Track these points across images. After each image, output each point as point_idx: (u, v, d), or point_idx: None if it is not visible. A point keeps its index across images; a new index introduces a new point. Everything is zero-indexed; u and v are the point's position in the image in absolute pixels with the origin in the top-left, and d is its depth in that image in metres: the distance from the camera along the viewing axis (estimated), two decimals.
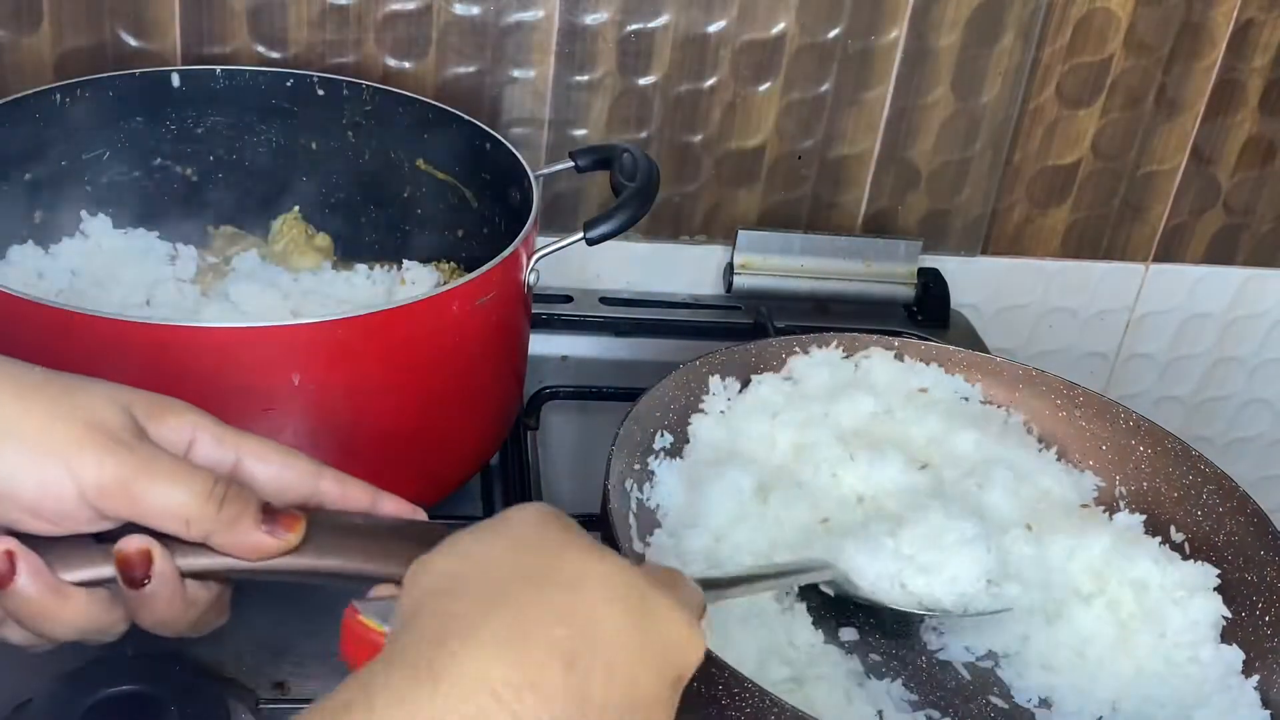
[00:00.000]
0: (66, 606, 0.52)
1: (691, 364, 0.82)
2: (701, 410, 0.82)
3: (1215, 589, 0.76)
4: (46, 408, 0.51)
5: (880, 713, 0.70)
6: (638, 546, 0.75)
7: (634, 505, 0.77)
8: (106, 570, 0.53)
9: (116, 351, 0.68)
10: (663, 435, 0.80)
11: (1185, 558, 0.78)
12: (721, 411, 0.82)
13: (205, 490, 0.51)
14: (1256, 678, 0.73)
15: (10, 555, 0.51)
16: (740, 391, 0.84)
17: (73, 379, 0.53)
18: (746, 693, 0.61)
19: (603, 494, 0.70)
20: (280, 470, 0.56)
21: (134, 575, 0.52)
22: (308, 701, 0.71)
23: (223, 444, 0.55)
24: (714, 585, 0.59)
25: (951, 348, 0.88)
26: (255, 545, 0.53)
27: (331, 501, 0.58)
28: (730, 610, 0.70)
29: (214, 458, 0.55)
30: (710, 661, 0.61)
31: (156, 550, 0.52)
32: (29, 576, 0.51)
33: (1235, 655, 0.74)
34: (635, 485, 0.77)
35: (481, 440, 0.86)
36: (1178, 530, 0.80)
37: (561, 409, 0.97)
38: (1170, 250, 1.21)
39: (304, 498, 0.57)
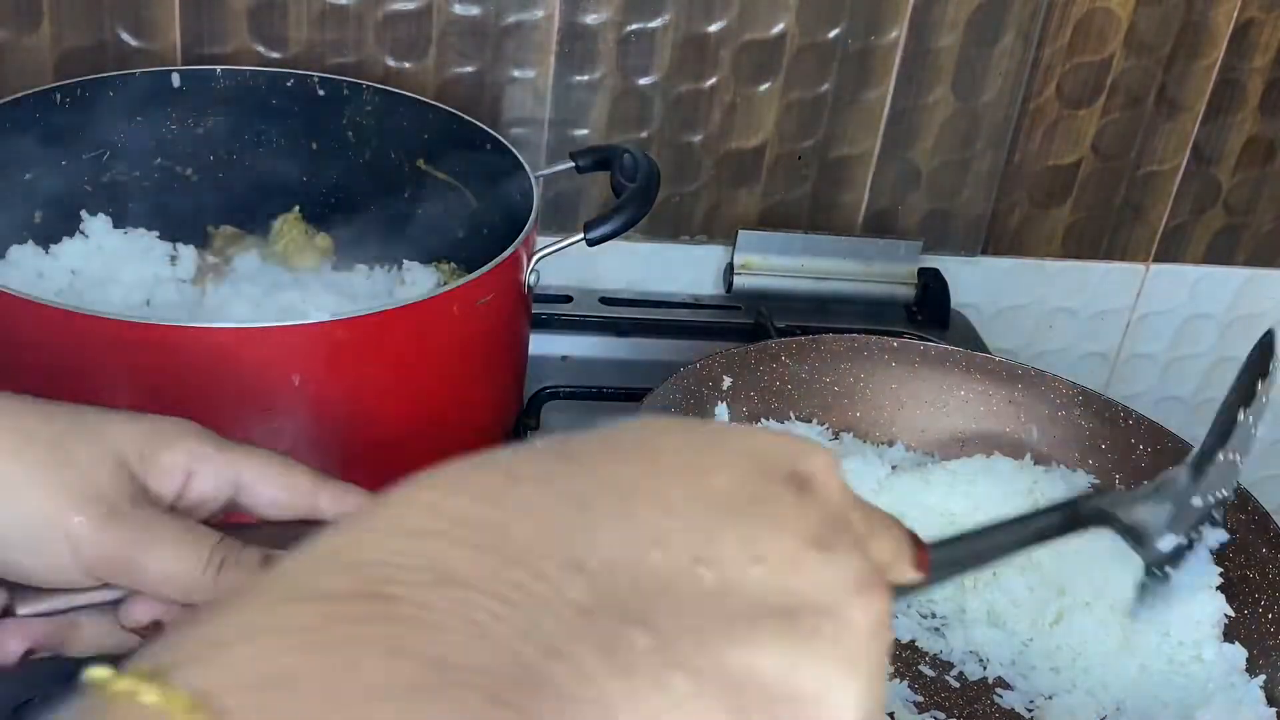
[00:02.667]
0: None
1: (692, 366, 0.82)
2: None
3: (1217, 588, 0.76)
4: (41, 470, 0.51)
5: (891, 715, 0.70)
6: None
7: None
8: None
9: (116, 351, 0.68)
10: None
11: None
12: None
13: (202, 561, 0.52)
14: (1261, 676, 0.73)
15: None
16: None
17: (64, 424, 0.52)
18: None
19: None
20: (280, 491, 0.56)
21: (150, 637, 0.53)
22: None
23: (221, 469, 0.55)
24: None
25: (951, 348, 0.88)
26: None
27: (331, 518, 0.58)
28: None
29: (212, 486, 0.55)
30: None
31: (162, 615, 0.53)
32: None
33: (1238, 654, 0.74)
34: None
35: (481, 440, 0.85)
36: None
37: (561, 409, 0.97)
38: (1170, 250, 1.21)
39: (304, 515, 0.57)
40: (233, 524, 0.56)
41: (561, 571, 0.30)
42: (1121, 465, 0.83)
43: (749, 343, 0.98)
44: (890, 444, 0.87)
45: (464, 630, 0.28)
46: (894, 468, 0.84)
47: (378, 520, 0.30)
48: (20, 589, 0.52)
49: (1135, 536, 0.60)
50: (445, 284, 0.90)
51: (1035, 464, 0.84)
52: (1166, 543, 0.61)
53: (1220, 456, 0.61)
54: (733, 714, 0.30)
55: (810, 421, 0.86)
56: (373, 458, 0.76)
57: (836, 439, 0.87)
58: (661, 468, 0.33)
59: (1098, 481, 0.84)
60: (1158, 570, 0.62)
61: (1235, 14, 1.09)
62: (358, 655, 0.27)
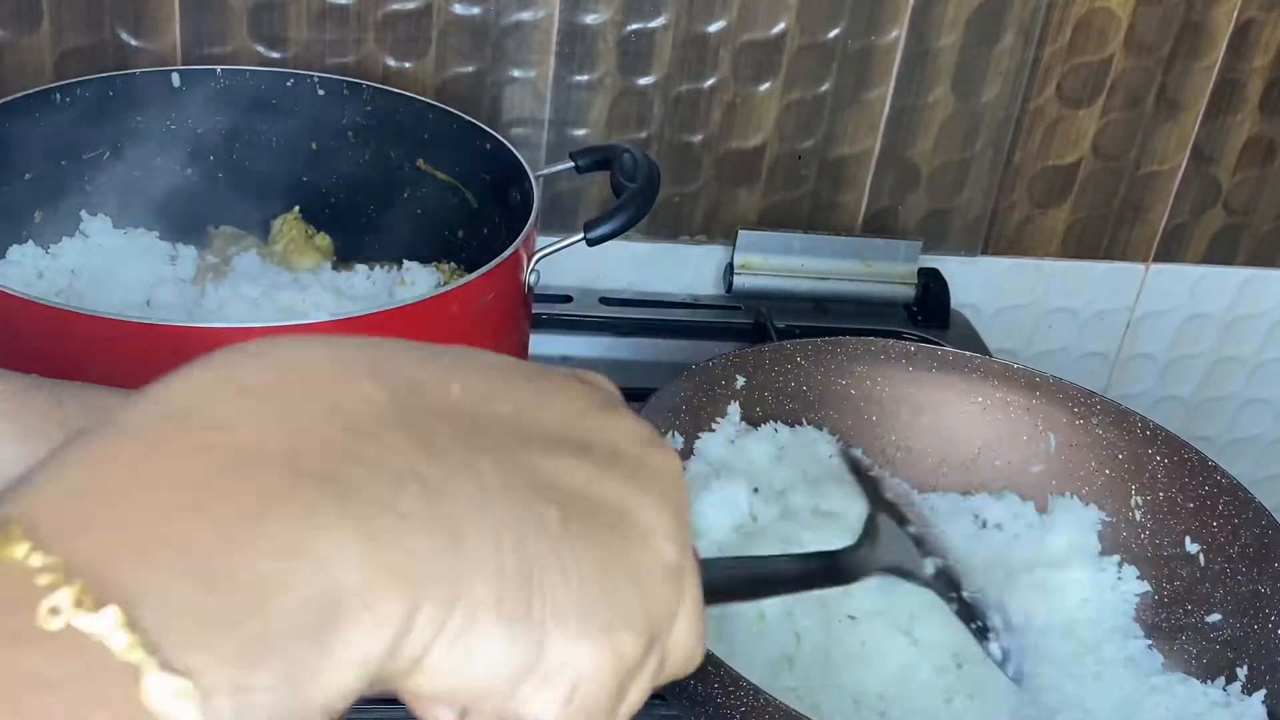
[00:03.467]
0: None
1: (705, 364, 0.82)
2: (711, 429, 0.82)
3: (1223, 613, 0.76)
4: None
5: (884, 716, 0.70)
6: None
7: None
8: None
9: (116, 351, 0.68)
10: (674, 437, 0.80)
11: (1199, 570, 0.78)
12: (731, 441, 0.82)
13: None
14: (1263, 691, 0.72)
15: None
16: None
17: (72, 407, 0.52)
18: (741, 691, 0.61)
19: None
20: None
21: None
22: None
23: None
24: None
25: (969, 354, 0.87)
26: None
27: None
28: (740, 621, 0.70)
29: None
30: (708, 660, 0.61)
31: None
32: None
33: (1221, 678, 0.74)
34: None
35: None
36: (1193, 541, 0.80)
37: None
38: (1170, 250, 1.21)
39: None
40: None
41: (361, 380, 0.30)
42: (1137, 476, 0.82)
43: (751, 343, 0.98)
44: (909, 450, 0.87)
45: (261, 425, 0.28)
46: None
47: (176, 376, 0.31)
48: None
49: (903, 574, 0.65)
50: (445, 284, 0.90)
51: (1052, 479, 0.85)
52: (929, 566, 0.66)
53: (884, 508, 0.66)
54: (547, 502, 0.31)
55: (822, 428, 0.86)
56: None
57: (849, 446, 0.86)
58: (449, 348, 0.34)
59: (1111, 519, 0.83)
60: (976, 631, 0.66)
61: (1235, 14, 1.09)
62: (158, 459, 0.28)
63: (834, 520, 0.76)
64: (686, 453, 0.81)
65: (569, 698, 0.31)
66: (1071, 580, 0.79)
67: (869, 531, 0.64)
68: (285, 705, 0.26)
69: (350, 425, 0.29)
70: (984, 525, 0.82)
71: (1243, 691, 0.74)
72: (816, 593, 0.72)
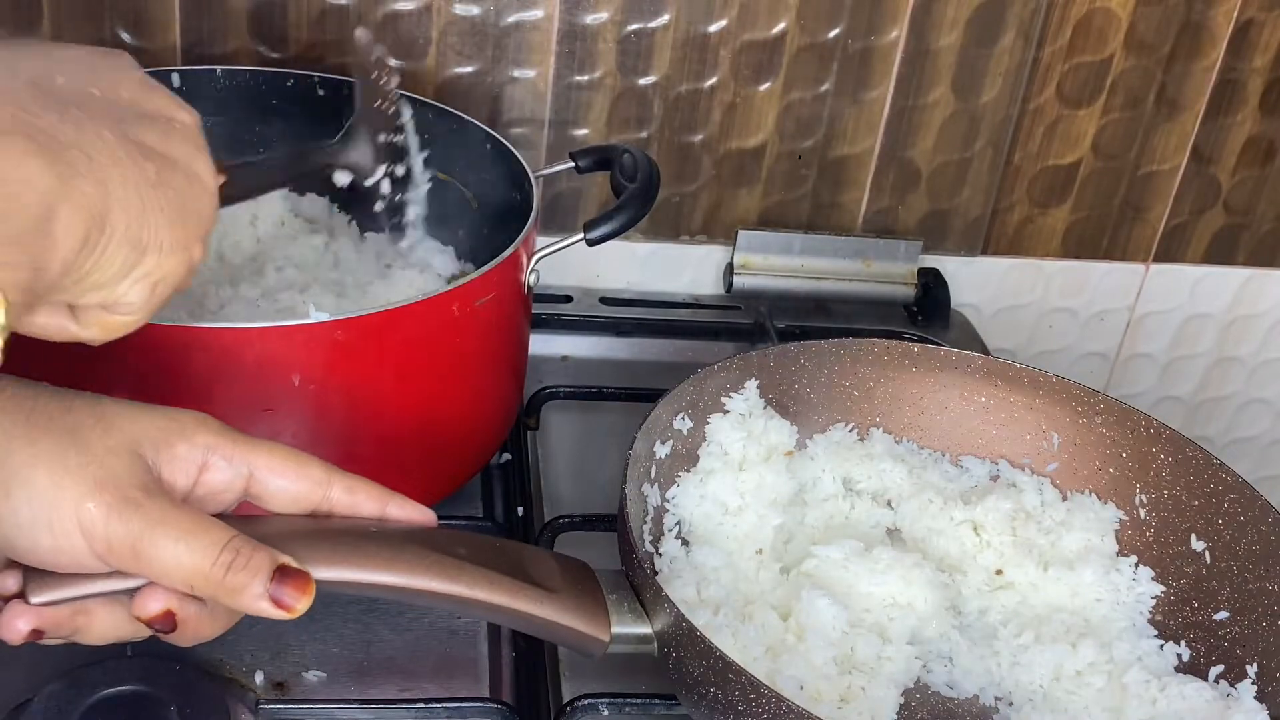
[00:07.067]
0: (92, 623, 0.54)
1: (711, 368, 0.81)
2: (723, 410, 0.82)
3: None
4: (56, 456, 0.51)
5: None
6: (649, 549, 0.76)
7: (650, 511, 0.77)
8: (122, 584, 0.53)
9: (117, 351, 0.68)
10: (664, 444, 0.80)
11: (1205, 568, 0.78)
12: (742, 415, 0.82)
13: (210, 557, 0.52)
14: (1272, 689, 0.72)
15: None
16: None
17: (83, 414, 0.53)
18: (763, 699, 0.61)
19: (620, 497, 0.70)
20: (291, 483, 0.57)
21: (163, 629, 0.54)
22: (308, 702, 0.71)
23: (234, 462, 0.56)
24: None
25: (973, 354, 0.87)
26: (258, 611, 0.53)
27: (341, 510, 0.58)
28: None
29: (225, 478, 0.56)
30: (728, 668, 0.62)
31: (175, 606, 0.53)
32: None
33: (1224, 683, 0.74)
34: (651, 489, 0.77)
35: (481, 440, 0.86)
36: (1199, 539, 0.80)
37: (561, 409, 0.97)
38: (1170, 250, 1.21)
39: (314, 507, 0.58)
40: (244, 516, 0.56)
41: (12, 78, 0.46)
42: (1142, 473, 0.82)
43: (751, 343, 0.98)
44: (914, 449, 0.87)
45: None
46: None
47: None
48: (36, 576, 0.53)
49: (359, 171, 0.79)
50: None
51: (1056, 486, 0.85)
52: (379, 174, 0.81)
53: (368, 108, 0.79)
54: (146, 159, 0.49)
55: (826, 430, 0.86)
56: (372, 458, 0.76)
57: (862, 442, 0.86)
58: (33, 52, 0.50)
59: (1126, 518, 0.83)
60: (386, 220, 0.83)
61: (1235, 14, 1.09)
62: None
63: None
64: (695, 448, 0.81)
65: (153, 289, 0.51)
66: (1085, 581, 0.79)
67: (347, 134, 0.78)
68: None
69: (18, 104, 0.45)
70: (983, 529, 0.82)
71: (1253, 689, 0.73)
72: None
